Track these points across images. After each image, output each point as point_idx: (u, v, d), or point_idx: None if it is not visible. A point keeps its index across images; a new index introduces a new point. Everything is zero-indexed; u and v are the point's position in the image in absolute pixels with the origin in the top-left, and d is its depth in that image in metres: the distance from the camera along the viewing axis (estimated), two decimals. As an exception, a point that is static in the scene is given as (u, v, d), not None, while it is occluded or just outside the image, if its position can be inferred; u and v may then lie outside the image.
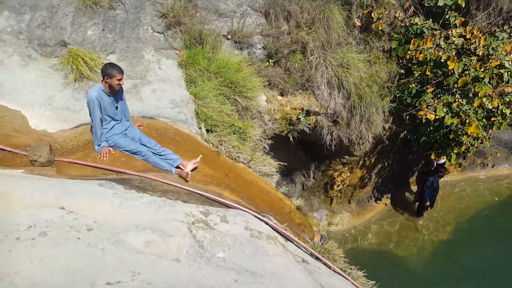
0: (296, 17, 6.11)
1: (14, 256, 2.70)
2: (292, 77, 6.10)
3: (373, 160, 8.13)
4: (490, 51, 6.07)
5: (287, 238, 4.21)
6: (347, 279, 4.04)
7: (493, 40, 6.23)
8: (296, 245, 4.25)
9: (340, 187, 8.36)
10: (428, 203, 8.30)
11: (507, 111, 6.53)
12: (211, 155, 4.74)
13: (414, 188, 9.25)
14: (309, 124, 6.54)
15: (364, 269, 4.53)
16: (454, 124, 6.08)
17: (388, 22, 6.50)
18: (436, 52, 5.98)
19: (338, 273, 4.06)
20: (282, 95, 6.17)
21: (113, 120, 4.23)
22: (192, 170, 4.29)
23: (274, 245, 3.87)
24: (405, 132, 7.64)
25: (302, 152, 7.83)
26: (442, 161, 8.01)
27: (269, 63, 5.98)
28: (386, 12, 6.30)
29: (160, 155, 4.32)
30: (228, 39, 5.65)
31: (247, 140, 4.99)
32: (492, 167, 9.24)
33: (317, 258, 4.27)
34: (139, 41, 5.06)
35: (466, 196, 9.09)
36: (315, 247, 4.47)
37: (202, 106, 4.89)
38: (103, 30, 4.98)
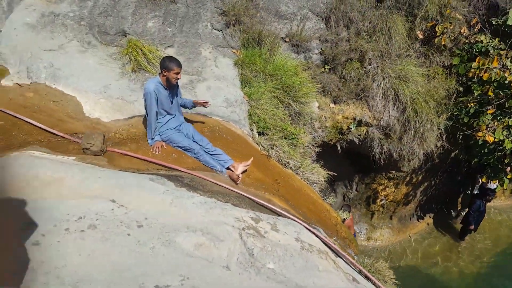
0: (356, 24, 5.71)
1: (62, 248, 2.47)
2: (347, 85, 5.69)
3: (420, 178, 7.55)
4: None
5: (337, 254, 3.81)
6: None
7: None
8: (346, 262, 3.85)
9: (383, 201, 7.83)
10: (472, 227, 7.63)
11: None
12: (261, 159, 4.42)
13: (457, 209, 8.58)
14: (359, 135, 6.10)
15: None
16: (513, 147, 5.48)
17: (452, 38, 5.96)
18: (501, 72, 5.39)
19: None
20: (335, 102, 5.78)
21: (168, 115, 3.98)
22: (242, 173, 3.99)
23: (325, 260, 3.49)
24: (457, 152, 7.06)
25: (347, 163, 7.37)
26: (493, 186, 7.36)
27: (324, 69, 5.61)
28: (451, 27, 5.78)
29: (211, 154, 4.04)
30: (286, 41, 5.32)
31: (298, 146, 4.62)
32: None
33: (367, 277, 3.86)
34: (198, 36, 4.81)
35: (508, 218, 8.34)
36: (365, 265, 4.05)
37: (255, 108, 4.58)
38: (163, 23, 4.77)
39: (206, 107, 4.11)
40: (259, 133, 4.61)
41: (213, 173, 3.97)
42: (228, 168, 4.00)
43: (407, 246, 7.91)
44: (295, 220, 3.75)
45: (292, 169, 4.68)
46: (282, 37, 5.26)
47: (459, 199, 8.56)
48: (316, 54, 5.57)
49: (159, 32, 4.72)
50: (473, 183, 7.83)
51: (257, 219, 3.52)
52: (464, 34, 5.89)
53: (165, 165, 3.79)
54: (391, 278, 4.08)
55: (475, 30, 5.91)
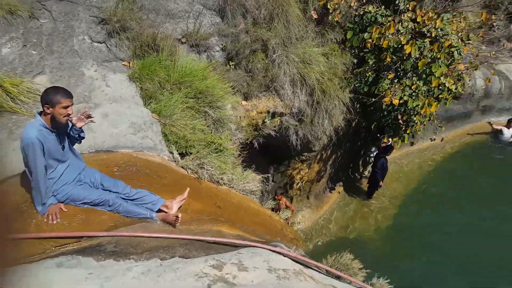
0: (253, 13, 5.07)
1: None
2: (256, 79, 5.08)
3: (329, 153, 7.52)
4: (439, 32, 5.75)
5: (305, 264, 3.28)
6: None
7: (440, 21, 5.91)
8: (316, 270, 3.34)
9: (299, 184, 7.61)
10: (381, 183, 7.98)
11: (453, 87, 6.34)
12: (193, 184, 3.57)
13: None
14: (274, 127, 5.60)
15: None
16: (419, 106, 5.68)
17: (344, 13, 5.81)
18: (398, 37, 5.44)
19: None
20: (246, 99, 5.13)
21: (60, 164, 2.82)
22: (178, 209, 3.11)
23: (304, 281, 2.95)
24: (356, 120, 7.16)
25: (260, 156, 6.88)
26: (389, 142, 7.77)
27: (229, 66, 4.88)
28: (342, 2, 5.59)
29: (133, 199, 3.03)
30: (183, 43, 4.41)
31: (228, 156, 3.88)
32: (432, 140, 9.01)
33: (338, 277, 3.44)
34: (75, 54, 3.62)
35: (407, 171, 8.98)
36: (333, 264, 3.60)
37: (170, 125, 3.66)
38: (25, 45, 3.47)
39: (93, 122, 2.96)
40: (182, 155, 3.71)
41: (142, 223, 2.99)
42: (159, 211, 3.06)
43: (328, 219, 7.93)
44: (256, 246, 3.07)
45: (227, 184, 3.95)
46: (178, 39, 4.34)
47: (360, 162, 8.89)
48: (218, 51, 4.81)
49: (21, 58, 3.40)
50: (372, 145, 8.17)
51: (220, 265, 2.74)
52: (354, 7, 5.79)
53: (72, 235, 2.67)
54: (360, 269, 3.72)
55: (364, 1, 5.86)
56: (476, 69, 6.86)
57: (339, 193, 8.54)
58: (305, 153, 6.98)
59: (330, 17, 5.58)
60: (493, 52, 8.32)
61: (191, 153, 3.74)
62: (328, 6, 5.47)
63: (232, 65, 4.83)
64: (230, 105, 4.78)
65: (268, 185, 7.51)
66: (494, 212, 7.85)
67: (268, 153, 6.83)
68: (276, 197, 6.77)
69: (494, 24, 7.48)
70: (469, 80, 7.35)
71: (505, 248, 6.97)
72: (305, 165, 7.32)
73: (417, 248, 7.23)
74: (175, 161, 3.62)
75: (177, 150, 3.71)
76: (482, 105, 10.30)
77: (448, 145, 9.62)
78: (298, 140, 5.97)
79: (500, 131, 9.92)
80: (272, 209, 6.47)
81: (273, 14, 5.01)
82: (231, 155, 3.98)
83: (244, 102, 5.07)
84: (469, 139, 10.01)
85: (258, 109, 5.22)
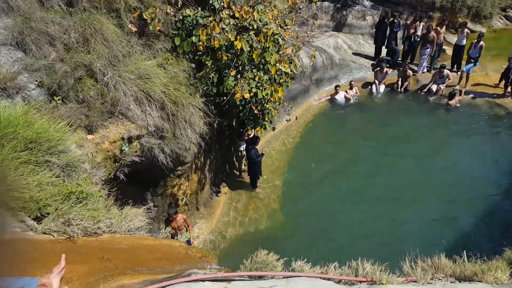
0: (61, 39, 4.46)
1: None
2: (94, 108, 4.51)
3: (202, 159, 7.33)
4: (259, 23, 6.09)
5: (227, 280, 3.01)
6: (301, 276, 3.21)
7: (257, 12, 6.27)
8: (239, 279, 3.10)
9: (184, 200, 7.25)
10: (260, 171, 8.24)
11: (288, 70, 6.87)
12: (67, 246, 2.90)
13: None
14: (136, 152, 5.12)
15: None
16: (269, 94, 5.93)
17: (163, 21, 5.62)
18: (226, 35, 5.54)
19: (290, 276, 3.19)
20: (91, 132, 4.51)
21: None
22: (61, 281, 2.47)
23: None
24: (217, 121, 7.17)
25: (134, 187, 6.26)
26: (252, 133, 8.05)
27: (56, 102, 4.19)
28: (157, 11, 5.39)
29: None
30: (-17, 89, 3.57)
31: (96, 201, 3.31)
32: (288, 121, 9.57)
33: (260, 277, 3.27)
34: None
35: (277, 152, 9.48)
36: (252, 266, 3.42)
37: (7, 190, 2.88)
38: None
39: None
40: (37, 219, 2.99)
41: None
42: (37, 293, 2.37)
43: (225, 223, 7.80)
44: (170, 285, 2.65)
45: (108, 232, 3.36)
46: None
47: (234, 159, 9.00)
48: (34, 89, 4.08)
49: None
50: (239, 140, 8.33)
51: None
52: (171, 14, 5.66)
53: None
54: (278, 259, 3.60)
55: (179, 6, 5.77)
56: (300, 50, 7.60)
57: (225, 193, 8.47)
58: (179, 167, 6.66)
59: (150, 27, 5.37)
60: (308, 32, 9.42)
61: (48, 214, 3.05)
62: (145, 17, 5.24)
63: (58, 100, 4.18)
64: (74, 144, 4.13)
65: (151, 212, 6.94)
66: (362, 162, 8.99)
67: (139, 180, 6.28)
68: (171, 217, 6.27)
69: (300, 7, 8.44)
70: (298, 61, 8.13)
71: (386, 210, 7.87)
72: (183, 179, 6.99)
73: (315, 221, 7.63)
74: (31, 230, 2.90)
75: (29, 216, 2.97)
76: (314, 79, 11.58)
77: (301, 120, 10.54)
78: (167, 157, 5.62)
79: (334, 99, 11.34)
80: (172, 236, 5.97)
81: (86, 36, 4.52)
82: (99, 199, 3.41)
83: (89, 136, 4.46)
84: (313, 110, 11.15)
85: (109, 139, 4.67)
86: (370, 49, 13.90)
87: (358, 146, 9.62)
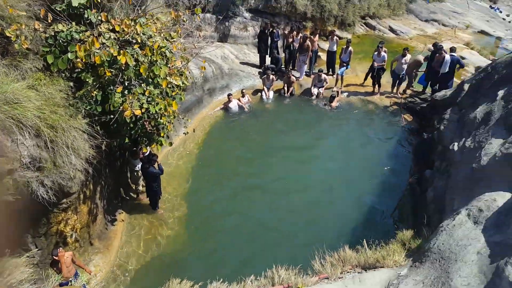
0: None
1: None
2: None
3: (91, 187, 6.68)
4: (143, 37, 5.86)
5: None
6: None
7: (139, 26, 6.02)
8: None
9: (74, 236, 6.49)
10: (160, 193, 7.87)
11: (180, 82, 6.77)
12: None
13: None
14: (8, 189, 4.41)
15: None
16: (162, 109, 5.72)
17: (31, 37, 4.98)
18: (107, 51, 5.15)
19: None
20: None
21: None
22: None
23: None
24: (105, 143, 6.65)
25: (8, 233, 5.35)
26: (148, 150, 7.70)
27: None
28: (22, 27, 4.75)
29: None
30: None
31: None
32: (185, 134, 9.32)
33: None
34: None
35: (176, 167, 9.22)
36: None
37: None
38: None
39: None
40: None
41: None
42: None
43: (124, 253, 7.22)
44: None
45: None
46: None
47: (129, 180, 8.44)
48: None
49: None
50: (134, 160, 7.85)
51: None
52: (40, 30, 5.05)
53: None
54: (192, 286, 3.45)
55: (49, 21, 5.18)
56: (189, 62, 7.57)
57: (123, 221, 7.85)
58: (64, 200, 5.92)
59: (16, 45, 4.72)
60: (195, 43, 9.45)
61: None
62: (8, 34, 4.58)
63: None
64: None
65: (35, 256, 6.03)
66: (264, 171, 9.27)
67: (16, 222, 5.40)
68: (56, 258, 5.49)
69: (184, 19, 8.43)
70: (189, 72, 8.08)
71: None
72: (70, 212, 6.23)
73: (224, 236, 7.54)
74: None
75: None
76: (206, 89, 11.68)
77: (198, 131, 10.48)
78: (48, 190, 4.95)
79: (228, 107, 11.58)
80: (61, 284, 5.26)
81: None
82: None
83: None
84: (209, 120, 11.20)
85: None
86: (255, 58, 14.62)
87: (256, 151, 9.97)
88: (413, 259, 5.23)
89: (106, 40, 5.26)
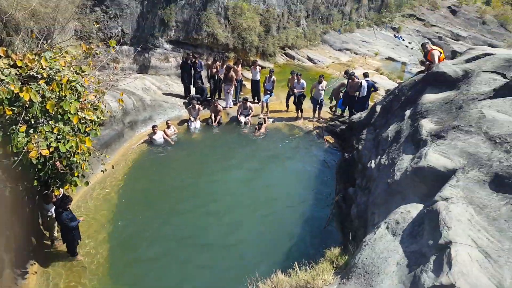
0: None
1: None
2: None
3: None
4: (50, 71, 5.51)
5: None
6: None
7: (44, 60, 5.66)
8: None
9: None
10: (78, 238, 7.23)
11: (94, 117, 6.43)
12: None
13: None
14: None
15: None
16: (74, 147, 5.32)
17: None
18: (7, 87, 4.71)
19: None
20: None
21: None
22: None
23: None
24: (9, 188, 5.99)
25: None
26: (61, 193, 7.09)
27: None
28: None
29: None
30: None
31: None
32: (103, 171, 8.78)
33: None
34: None
35: (95, 206, 8.59)
36: None
37: None
38: None
39: None
40: None
41: None
42: None
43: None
44: None
45: None
46: None
47: (42, 227, 7.64)
48: None
49: None
50: (45, 203, 7.16)
51: None
52: None
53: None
54: None
55: None
56: (104, 95, 7.25)
57: (35, 273, 7.02)
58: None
59: None
60: (111, 76, 9.13)
61: None
62: None
63: None
64: None
65: None
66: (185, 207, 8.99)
67: None
68: None
69: (98, 52, 8.15)
70: (105, 106, 7.71)
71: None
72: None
73: (152, 274, 7.10)
74: None
75: None
76: (127, 122, 11.24)
77: (119, 167, 9.95)
78: None
79: (153, 139, 11.25)
80: None
81: None
82: None
83: None
84: (131, 154, 10.75)
85: None
86: (179, 88, 14.58)
87: (183, 183, 9.70)
88: (341, 276, 5.38)
89: (6, 76, 4.84)
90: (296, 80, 13.05)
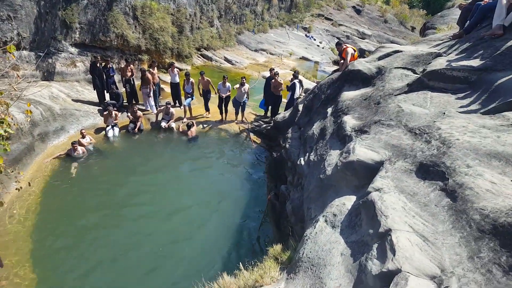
0: None
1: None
2: None
3: None
4: None
5: None
6: None
7: None
8: None
9: None
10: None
11: (1, 131, 5.76)
12: None
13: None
14: None
15: None
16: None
17: None
18: None
19: None
20: None
21: None
22: None
23: None
24: None
25: None
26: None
27: None
28: None
29: None
30: None
31: None
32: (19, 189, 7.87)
33: None
34: None
35: (9, 227, 7.67)
36: None
37: None
38: None
39: None
40: None
41: None
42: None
43: None
44: None
45: None
46: None
47: None
48: None
49: None
50: None
51: None
52: None
53: None
54: None
55: None
56: (9, 106, 6.52)
57: None
58: None
59: None
60: (14, 85, 8.19)
61: None
62: None
63: None
64: None
65: None
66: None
67: None
68: None
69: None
70: (12, 119, 6.94)
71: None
72: None
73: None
74: None
75: None
76: (37, 135, 10.20)
77: (35, 184, 8.99)
78: None
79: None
80: None
81: None
82: None
83: None
84: (46, 169, 9.78)
85: None
86: (91, 95, 13.66)
87: (108, 194, 9.14)
88: (287, 271, 5.61)
89: None
90: (221, 83, 13.13)
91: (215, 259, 7.48)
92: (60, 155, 10.31)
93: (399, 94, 6.49)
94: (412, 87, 6.44)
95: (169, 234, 8.08)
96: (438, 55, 7.21)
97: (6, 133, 6.12)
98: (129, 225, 8.27)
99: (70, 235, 7.81)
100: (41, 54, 12.57)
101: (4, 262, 6.85)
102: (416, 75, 6.88)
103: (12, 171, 6.46)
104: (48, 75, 13.29)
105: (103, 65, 13.17)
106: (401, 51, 8.31)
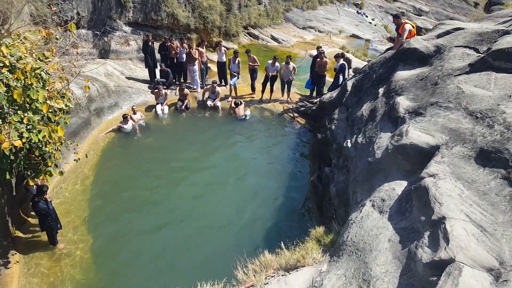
0: None
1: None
2: None
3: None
4: (12, 59, 5.12)
5: None
6: None
7: (5, 47, 5.23)
8: None
9: None
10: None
11: (63, 106, 6.11)
12: None
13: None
14: None
15: None
16: (46, 136, 5.04)
17: None
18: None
19: None
20: None
21: None
22: None
23: None
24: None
25: None
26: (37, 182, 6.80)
27: None
28: None
29: None
30: None
31: None
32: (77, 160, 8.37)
33: None
34: None
35: (71, 195, 8.25)
36: None
37: None
38: None
39: None
40: None
41: None
42: None
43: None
44: None
45: None
46: None
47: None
48: None
49: None
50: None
51: None
52: None
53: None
54: None
55: None
56: (70, 82, 6.89)
57: (17, 262, 6.71)
58: None
59: None
60: (74, 62, 8.62)
61: None
62: None
63: None
64: None
65: None
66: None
67: None
68: None
69: (58, 37, 7.63)
70: (71, 94, 7.33)
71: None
72: None
73: (136, 260, 6.98)
74: None
75: None
76: (93, 110, 10.76)
77: (91, 155, 9.56)
78: None
79: (121, 127, 10.86)
80: None
81: None
82: None
83: None
84: (101, 142, 10.32)
85: None
86: (143, 73, 14.07)
87: (157, 170, 9.50)
88: (330, 254, 5.56)
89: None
90: (270, 62, 12.99)
91: (257, 238, 7.58)
92: (113, 129, 10.81)
93: (460, 74, 6.04)
94: (474, 67, 5.96)
95: (210, 211, 8.29)
96: (506, 32, 6.58)
97: (67, 107, 6.50)
98: (175, 197, 8.58)
99: (121, 204, 8.26)
100: (97, 32, 13.09)
101: (65, 223, 7.41)
102: (480, 55, 6.36)
103: (71, 143, 6.87)
104: (104, 53, 13.85)
105: (154, 44, 13.44)
106: (462, 29, 7.70)
